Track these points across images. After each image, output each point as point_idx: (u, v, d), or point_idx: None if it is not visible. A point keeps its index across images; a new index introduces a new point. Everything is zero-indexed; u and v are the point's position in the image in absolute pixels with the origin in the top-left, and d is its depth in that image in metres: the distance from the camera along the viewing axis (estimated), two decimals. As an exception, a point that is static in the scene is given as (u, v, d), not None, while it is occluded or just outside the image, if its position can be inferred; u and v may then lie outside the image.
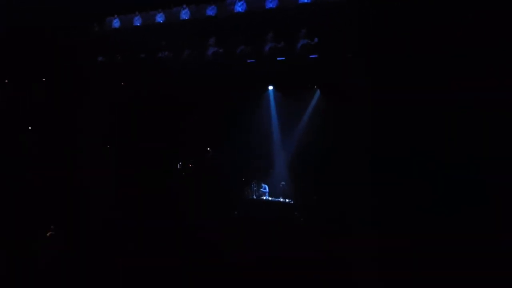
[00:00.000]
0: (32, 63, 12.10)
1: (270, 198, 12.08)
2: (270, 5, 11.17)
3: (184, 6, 11.96)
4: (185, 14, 12.00)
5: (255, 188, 12.15)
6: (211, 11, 11.78)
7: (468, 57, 8.99)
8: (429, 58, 9.46)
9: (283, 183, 12.18)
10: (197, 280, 8.11)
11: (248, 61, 11.58)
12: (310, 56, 10.99)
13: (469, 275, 7.30)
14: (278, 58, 11.26)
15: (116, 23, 12.49)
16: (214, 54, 11.73)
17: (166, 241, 9.81)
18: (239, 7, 11.45)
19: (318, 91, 11.88)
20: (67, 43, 11.60)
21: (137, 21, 12.37)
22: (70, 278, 8.48)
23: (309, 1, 10.72)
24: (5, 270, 8.72)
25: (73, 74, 11.91)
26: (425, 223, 8.81)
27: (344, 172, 10.50)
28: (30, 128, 12.07)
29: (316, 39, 10.92)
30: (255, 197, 12.10)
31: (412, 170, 9.47)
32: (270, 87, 12.38)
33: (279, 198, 12.00)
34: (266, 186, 12.29)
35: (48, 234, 10.48)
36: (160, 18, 12.19)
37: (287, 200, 11.70)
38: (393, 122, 10.04)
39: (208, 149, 12.30)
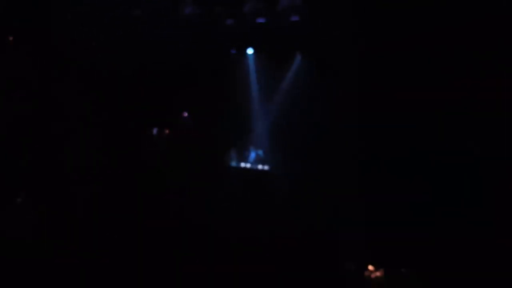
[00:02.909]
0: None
1: (249, 165, 11.84)
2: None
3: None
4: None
5: (236, 155, 11.88)
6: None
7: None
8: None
9: (259, 151, 11.89)
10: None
11: (227, 22, 11.10)
12: (292, 18, 10.59)
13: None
14: (258, 20, 10.84)
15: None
16: (190, 15, 11.18)
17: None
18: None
19: (299, 55, 11.46)
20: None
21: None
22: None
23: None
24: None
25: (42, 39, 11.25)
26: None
27: (326, 139, 10.45)
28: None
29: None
30: (237, 165, 11.80)
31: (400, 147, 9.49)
32: (250, 51, 11.88)
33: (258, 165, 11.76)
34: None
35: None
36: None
37: (265, 168, 11.51)
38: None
39: (186, 114, 11.92)
